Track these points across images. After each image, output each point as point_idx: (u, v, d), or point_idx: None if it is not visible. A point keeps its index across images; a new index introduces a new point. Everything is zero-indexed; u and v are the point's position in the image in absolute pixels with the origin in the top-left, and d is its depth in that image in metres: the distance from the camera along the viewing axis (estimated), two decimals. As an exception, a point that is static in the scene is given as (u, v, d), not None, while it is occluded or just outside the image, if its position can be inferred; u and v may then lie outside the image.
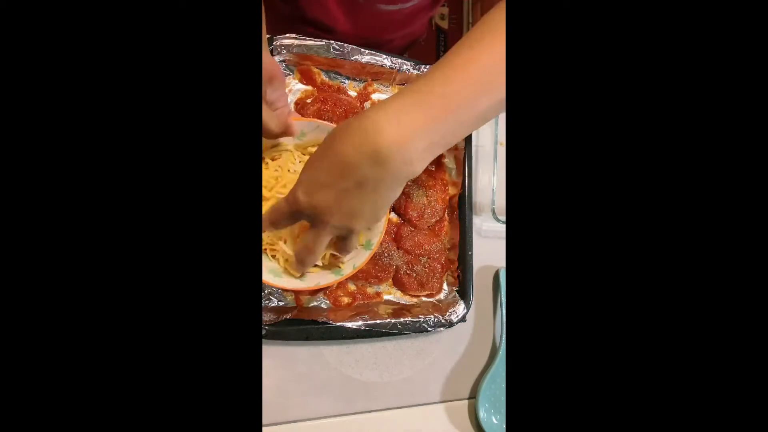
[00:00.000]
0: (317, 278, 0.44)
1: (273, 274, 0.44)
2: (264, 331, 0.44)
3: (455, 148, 0.56)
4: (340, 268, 0.45)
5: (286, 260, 0.45)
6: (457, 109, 0.31)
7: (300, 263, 0.40)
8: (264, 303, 0.48)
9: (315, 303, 0.50)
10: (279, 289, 0.41)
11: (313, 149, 0.46)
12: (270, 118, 0.40)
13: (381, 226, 0.45)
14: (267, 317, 0.45)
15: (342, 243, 0.38)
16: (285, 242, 0.44)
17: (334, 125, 0.45)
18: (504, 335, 0.54)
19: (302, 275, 0.44)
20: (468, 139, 0.55)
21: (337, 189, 0.31)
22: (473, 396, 0.53)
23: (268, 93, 0.41)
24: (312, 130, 0.46)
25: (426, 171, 0.56)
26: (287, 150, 0.46)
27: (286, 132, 0.42)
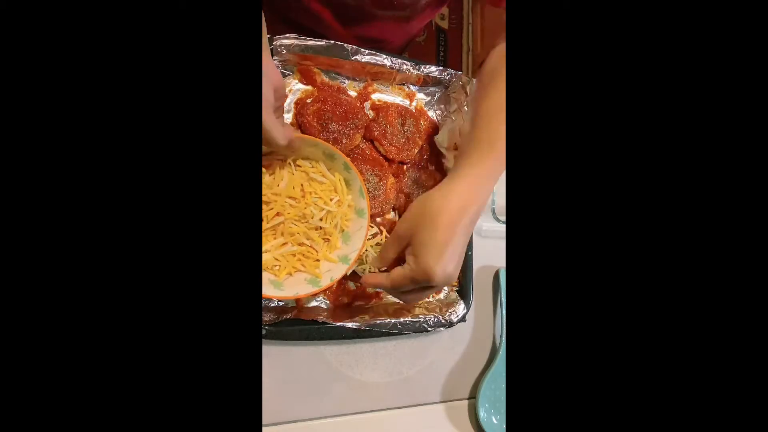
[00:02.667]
0: (295, 288, 0.44)
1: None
2: (264, 331, 0.44)
3: (455, 148, 0.56)
4: (319, 278, 0.45)
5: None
6: (495, 177, 0.39)
7: (404, 301, 0.44)
8: (264, 303, 0.48)
9: (315, 303, 0.50)
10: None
11: (302, 162, 0.46)
12: (276, 129, 0.39)
13: (358, 243, 0.46)
14: (267, 317, 0.45)
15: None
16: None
17: (330, 147, 0.45)
18: (504, 335, 0.54)
19: (280, 286, 0.45)
20: (468, 139, 0.55)
21: (456, 253, 0.36)
22: (473, 396, 0.53)
23: (274, 101, 0.40)
24: (309, 146, 0.46)
25: (426, 171, 0.56)
26: (278, 159, 0.46)
27: (289, 146, 0.42)
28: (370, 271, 0.49)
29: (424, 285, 0.37)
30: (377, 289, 0.51)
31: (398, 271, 0.38)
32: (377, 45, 0.62)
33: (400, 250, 0.39)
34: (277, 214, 0.44)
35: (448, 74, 0.55)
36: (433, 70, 0.55)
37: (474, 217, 0.37)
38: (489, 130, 0.39)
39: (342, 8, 0.55)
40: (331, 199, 0.47)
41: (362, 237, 0.46)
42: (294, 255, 0.45)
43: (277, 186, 0.45)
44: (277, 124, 0.39)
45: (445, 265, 0.35)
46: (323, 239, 0.46)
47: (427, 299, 0.53)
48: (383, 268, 0.41)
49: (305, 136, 0.46)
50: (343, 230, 0.48)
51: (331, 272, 0.45)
